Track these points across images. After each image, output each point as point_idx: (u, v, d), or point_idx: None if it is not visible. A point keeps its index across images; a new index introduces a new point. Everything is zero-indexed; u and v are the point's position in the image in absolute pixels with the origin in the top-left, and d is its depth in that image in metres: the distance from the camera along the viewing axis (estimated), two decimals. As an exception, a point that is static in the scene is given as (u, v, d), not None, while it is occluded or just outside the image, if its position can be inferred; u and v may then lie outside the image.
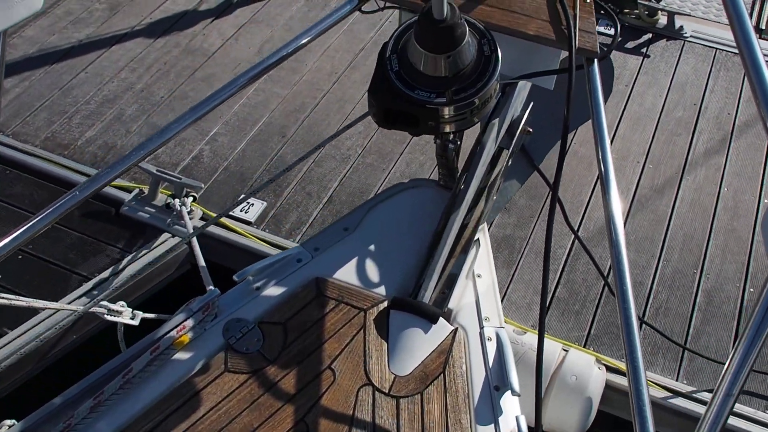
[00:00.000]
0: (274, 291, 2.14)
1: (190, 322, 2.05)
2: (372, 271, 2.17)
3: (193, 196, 4.03)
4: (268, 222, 4.08)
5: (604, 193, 1.83)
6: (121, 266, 3.90)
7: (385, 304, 2.09)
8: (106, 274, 3.86)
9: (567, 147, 1.91)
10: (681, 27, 5.28)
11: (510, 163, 2.41)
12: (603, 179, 1.84)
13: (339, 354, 2.00)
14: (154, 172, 4.02)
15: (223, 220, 4.05)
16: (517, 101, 2.39)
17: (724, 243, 3.96)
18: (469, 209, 2.23)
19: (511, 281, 3.78)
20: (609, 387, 3.30)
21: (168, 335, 2.02)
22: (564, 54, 2.18)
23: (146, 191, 4.15)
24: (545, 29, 2.05)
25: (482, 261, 2.24)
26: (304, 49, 3.56)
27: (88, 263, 3.95)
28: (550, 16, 2.09)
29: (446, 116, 1.82)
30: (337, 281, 2.14)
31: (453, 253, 2.17)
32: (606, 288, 3.69)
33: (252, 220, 4.08)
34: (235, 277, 2.15)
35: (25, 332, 3.51)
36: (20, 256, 3.95)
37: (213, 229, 4.04)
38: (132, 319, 2.01)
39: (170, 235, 4.01)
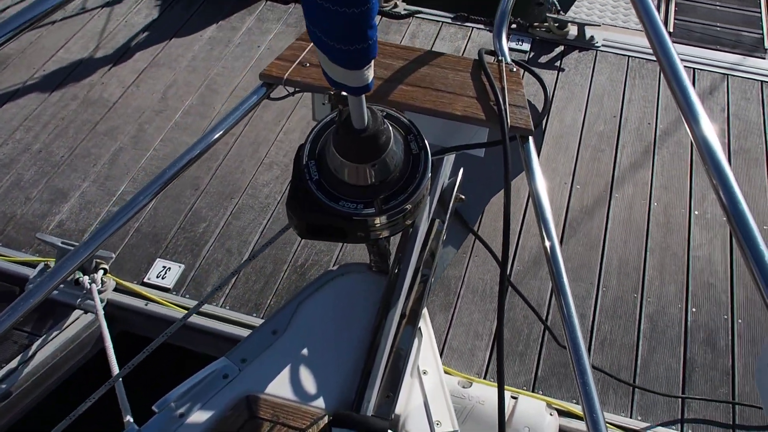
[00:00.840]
0: (200, 416, 1.91)
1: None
2: (308, 380, 1.96)
3: (103, 268, 3.73)
4: (188, 286, 3.81)
5: (550, 265, 1.70)
6: (30, 352, 3.57)
7: (326, 420, 1.89)
8: (14, 363, 3.53)
9: (509, 218, 1.77)
10: (592, 37, 5.25)
11: (445, 233, 2.25)
12: (553, 275, 1.70)
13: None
14: (59, 244, 3.69)
15: (139, 288, 3.77)
16: (445, 172, 2.23)
17: (660, 262, 3.91)
18: (407, 296, 2.05)
19: (450, 326, 3.63)
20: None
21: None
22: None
23: (52, 265, 3.82)
24: (473, 108, 1.89)
25: (426, 354, 2.07)
26: (210, 90, 3.24)
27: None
28: (476, 91, 1.93)
29: (378, 225, 1.62)
30: (271, 397, 1.93)
31: (394, 349, 1.98)
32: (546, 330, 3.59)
33: (170, 286, 3.81)
34: (154, 408, 1.91)
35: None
36: None
37: (129, 299, 3.75)
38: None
39: (82, 311, 3.70)
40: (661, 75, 1.62)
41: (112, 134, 4.56)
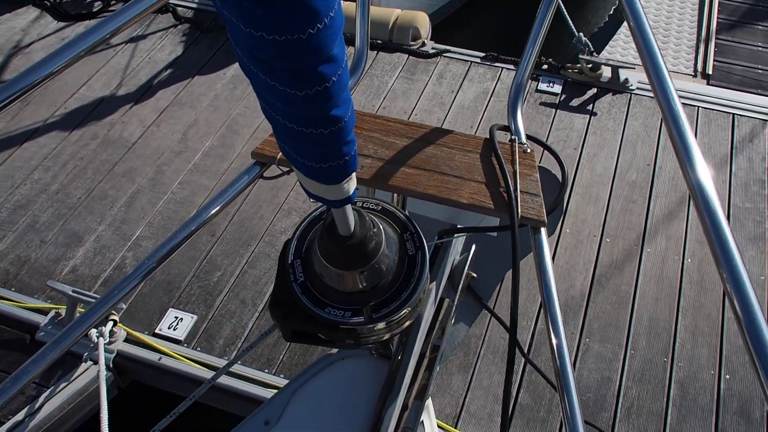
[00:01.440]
0: None
1: None
2: None
3: (113, 320, 3.64)
4: (200, 339, 3.70)
5: (555, 365, 1.54)
6: (37, 405, 3.49)
7: None
8: (21, 415, 3.45)
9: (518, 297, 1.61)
10: (626, 79, 5.08)
11: (454, 314, 2.10)
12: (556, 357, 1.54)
13: None
14: (70, 293, 3.62)
15: (150, 341, 3.67)
16: (456, 248, 2.08)
17: (693, 323, 3.70)
18: (410, 386, 1.90)
19: (468, 389, 3.46)
20: None
21: None
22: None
23: (63, 313, 3.75)
24: (481, 194, 1.74)
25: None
26: (231, 131, 3.05)
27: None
28: (485, 175, 1.78)
29: (368, 333, 1.48)
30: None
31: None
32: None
33: (181, 338, 3.71)
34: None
35: None
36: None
37: (140, 351, 3.65)
38: None
39: (92, 362, 3.61)
40: (673, 121, 1.49)
41: (130, 176, 4.51)
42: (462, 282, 2.12)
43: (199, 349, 3.66)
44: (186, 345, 3.68)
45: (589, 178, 4.45)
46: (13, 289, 3.94)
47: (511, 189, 1.70)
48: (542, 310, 1.68)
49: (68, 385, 3.55)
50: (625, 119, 4.84)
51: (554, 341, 1.65)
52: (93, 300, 3.59)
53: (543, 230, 1.71)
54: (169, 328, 3.74)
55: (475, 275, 2.15)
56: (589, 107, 4.91)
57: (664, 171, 4.50)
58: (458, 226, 1.94)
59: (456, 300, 2.09)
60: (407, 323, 1.56)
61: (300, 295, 1.46)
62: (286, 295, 1.48)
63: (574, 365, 3.51)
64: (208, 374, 3.52)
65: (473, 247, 2.14)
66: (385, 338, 1.57)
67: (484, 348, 3.60)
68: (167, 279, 3.96)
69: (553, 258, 3.95)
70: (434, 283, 2.00)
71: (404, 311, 1.46)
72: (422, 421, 1.94)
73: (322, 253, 1.39)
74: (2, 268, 4.05)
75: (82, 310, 3.74)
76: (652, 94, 4.92)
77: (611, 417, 3.33)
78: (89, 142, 4.76)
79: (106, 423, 2.62)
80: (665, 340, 3.64)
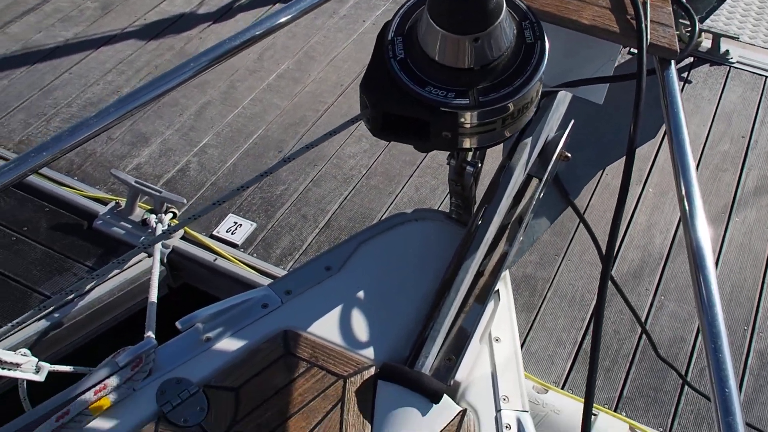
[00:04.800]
0: (228, 345, 1.64)
1: (113, 381, 1.55)
2: (357, 325, 1.67)
3: (173, 212, 3.56)
4: (257, 246, 3.59)
5: (687, 230, 1.32)
6: (87, 288, 3.42)
7: (373, 371, 1.59)
8: (71, 295, 3.39)
9: (627, 189, 1.39)
10: (727, 51, 4.79)
11: (542, 195, 1.91)
12: (687, 212, 1.33)
13: (307, 435, 1.50)
14: (133, 183, 3.56)
15: (207, 241, 3.58)
16: (554, 117, 1.90)
17: (778, 296, 3.43)
18: (487, 252, 1.73)
19: (530, 329, 3.26)
20: (643, 462, 2.78)
21: (82, 397, 1.53)
22: (622, 57, 1.70)
23: (123, 204, 3.69)
24: (605, 18, 1.55)
25: (502, 320, 1.74)
26: (308, 57, 2.98)
27: (53, 281, 3.50)
28: (610, 2, 1.59)
29: (468, 125, 1.30)
30: (312, 337, 1.64)
31: (464, 308, 1.66)
32: (642, 342, 3.18)
33: (238, 243, 3.60)
34: (178, 324, 1.66)
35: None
36: (-23, 270, 3.51)
37: (195, 250, 3.56)
38: (36, 373, 1.54)
39: (146, 255, 3.54)
40: None
41: (202, 87, 4.44)
42: (554, 159, 1.93)
43: (255, 255, 3.55)
44: (242, 250, 3.57)
45: (678, 140, 4.19)
46: (75, 178, 3.91)
47: (641, 13, 1.50)
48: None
49: (120, 273, 3.48)
50: (721, 91, 4.56)
51: (685, 204, 1.41)
52: (155, 192, 3.52)
53: (673, 65, 1.52)
54: (227, 231, 3.64)
55: (569, 155, 1.96)
56: (684, 74, 4.65)
57: (760, 145, 4.22)
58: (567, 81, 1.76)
59: (545, 178, 1.90)
60: (508, 132, 1.38)
61: (398, 71, 1.30)
62: (382, 74, 1.33)
63: (645, 320, 3.29)
64: (262, 280, 3.41)
65: (572, 122, 1.95)
66: (479, 146, 1.39)
67: (551, 291, 3.40)
68: (230, 186, 3.87)
69: (632, 215, 3.73)
70: (528, 141, 1.83)
71: (512, 105, 1.29)
72: (498, 290, 1.77)
73: (431, 10, 1.23)
74: (67, 158, 4.02)
75: (144, 205, 3.68)
76: (754, 70, 4.65)
77: (680, 377, 3.09)
78: (164, 52, 4.71)
79: (154, 311, 2.47)
80: (747, 309, 3.38)
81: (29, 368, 1.53)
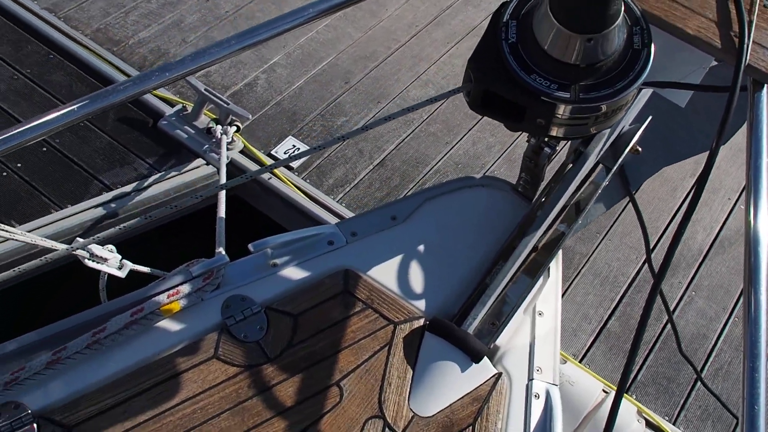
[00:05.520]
0: (293, 273, 1.76)
1: (185, 288, 1.69)
2: (414, 277, 1.78)
3: (237, 125, 3.66)
4: (311, 172, 3.70)
5: (749, 254, 1.39)
6: (146, 184, 3.57)
7: (422, 322, 1.70)
8: (128, 188, 3.54)
9: (700, 195, 1.45)
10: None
11: (608, 180, 1.98)
12: (751, 238, 1.40)
13: (353, 370, 1.63)
14: (202, 90, 3.65)
15: (264, 159, 3.69)
16: (633, 110, 1.95)
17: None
18: (546, 229, 1.82)
19: (559, 299, 3.36)
20: (644, 445, 2.90)
21: (156, 298, 1.66)
22: (711, 65, 1.73)
23: (189, 109, 3.80)
24: (709, 31, 1.59)
25: (548, 296, 1.84)
26: None
27: (114, 172, 3.64)
28: (718, 14, 1.63)
29: (562, 117, 1.38)
30: (370, 280, 1.76)
31: (515, 279, 1.76)
32: (665, 332, 3.26)
33: (294, 166, 3.71)
34: (250, 246, 1.78)
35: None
36: (44, 148, 3.66)
37: (251, 165, 3.68)
38: (119, 269, 1.67)
39: (204, 162, 3.67)
40: None
41: (279, 5, 4.48)
42: (625, 152, 1.98)
43: (308, 181, 3.66)
44: (297, 173, 3.68)
45: (741, 141, 4.17)
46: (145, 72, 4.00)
47: (744, 33, 1.54)
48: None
49: (178, 176, 3.61)
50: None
51: (751, 243, 1.46)
52: (222, 103, 3.62)
53: (765, 88, 1.56)
54: (284, 153, 3.75)
55: (640, 149, 2.01)
56: None
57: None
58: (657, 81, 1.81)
59: (614, 167, 1.97)
60: (595, 132, 1.46)
61: (508, 54, 1.37)
62: (491, 54, 1.40)
63: (673, 311, 3.37)
64: (311, 206, 3.52)
65: (649, 118, 1.99)
66: (565, 137, 1.47)
67: (586, 267, 3.48)
68: (293, 109, 3.95)
69: (680, 206, 3.76)
70: (602, 138, 1.89)
71: (605, 106, 1.35)
72: (549, 267, 1.86)
73: (552, 5, 1.29)
74: (141, 54, 4.12)
75: (209, 113, 3.78)
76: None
77: (695, 372, 3.18)
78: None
79: (223, 228, 2.55)
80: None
81: (114, 264, 1.66)
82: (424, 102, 1.67)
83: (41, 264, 1.39)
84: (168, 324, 1.68)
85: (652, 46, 1.38)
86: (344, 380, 1.61)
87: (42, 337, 1.65)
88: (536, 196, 1.94)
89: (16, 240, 1.48)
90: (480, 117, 4.05)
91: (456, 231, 1.88)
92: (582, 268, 3.47)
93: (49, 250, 1.56)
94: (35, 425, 1.53)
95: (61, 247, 1.57)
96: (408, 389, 1.61)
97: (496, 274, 1.76)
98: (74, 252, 1.58)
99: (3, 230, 1.44)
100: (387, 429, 1.56)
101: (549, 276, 1.87)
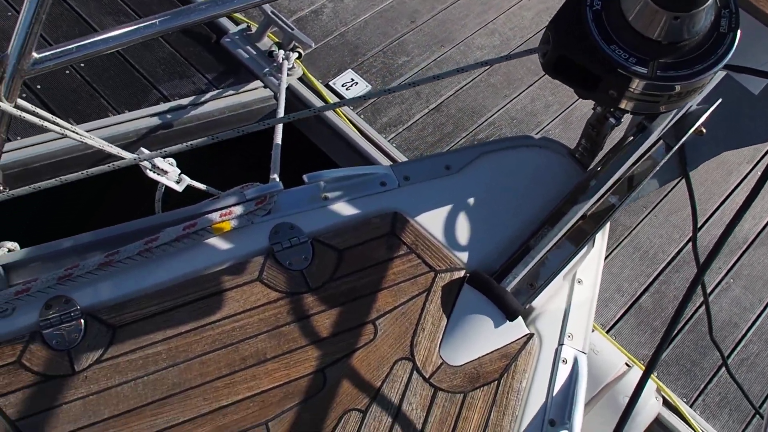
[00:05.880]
0: (343, 208, 1.80)
1: (238, 209, 1.73)
2: (461, 228, 1.80)
3: (299, 52, 3.66)
4: (366, 108, 3.71)
5: None
6: (203, 99, 3.61)
7: (462, 274, 1.73)
8: (185, 101, 3.59)
9: (762, 186, 1.42)
10: None
11: (667, 158, 1.96)
12: None
13: (389, 311, 1.67)
14: (269, 12, 3.65)
15: (322, 89, 3.70)
16: (704, 90, 1.91)
17: None
18: (598, 199, 1.82)
19: (596, 268, 3.36)
20: (658, 422, 2.93)
21: (209, 215, 1.71)
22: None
23: (253, 29, 3.80)
24: None
25: (590, 265, 1.85)
26: None
27: (173, 84, 3.69)
28: None
29: (635, 92, 1.36)
30: (417, 226, 1.78)
31: (559, 244, 1.77)
32: (697, 315, 3.26)
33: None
34: (305, 177, 1.81)
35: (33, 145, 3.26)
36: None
37: (307, 93, 3.69)
38: (177, 183, 1.72)
39: (262, 84, 3.69)
40: None
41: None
42: (689, 132, 1.96)
43: (362, 116, 3.66)
44: (352, 108, 3.68)
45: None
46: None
47: None
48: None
49: (235, 95, 3.65)
50: None
51: None
52: (287, 27, 3.61)
53: None
54: (342, 85, 3.75)
55: (704, 130, 1.98)
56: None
57: None
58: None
59: (676, 146, 1.94)
60: (664, 109, 1.44)
61: (590, 21, 1.36)
62: (573, 18, 1.38)
63: (708, 295, 3.35)
64: (362, 141, 3.54)
65: (718, 101, 1.96)
66: (633, 111, 1.46)
67: (627, 239, 3.46)
68: (356, 42, 3.94)
69: (732, 191, 3.70)
70: (668, 116, 1.87)
71: (679, 86, 1.34)
72: (595, 238, 1.87)
73: None
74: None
75: (273, 36, 3.78)
76: None
77: (721, 358, 3.19)
78: None
79: (279, 154, 2.55)
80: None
81: (173, 177, 1.71)
82: (500, 58, 1.66)
83: (107, 170, 1.44)
84: (217, 242, 1.73)
85: (739, 31, 1.35)
86: (380, 319, 1.65)
87: (97, 239, 1.71)
88: (592, 165, 1.93)
89: (86, 143, 1.53)
90: (542, 74, 3.98)
91: (508, 189, 1.89)
92: (623, 239, 3.46)
93: (116, 157, 1.61)
94: (82, 321, 1.61)
95: (128, 156, 1.62)
96: (440, 337, 1.65)
97: (542, 237, 1.77)
98: (139, 162, 1.63)
99: (75, 132, 1.49)
100: (415, 372, 1.61)
101: (593, 246, 1.87)
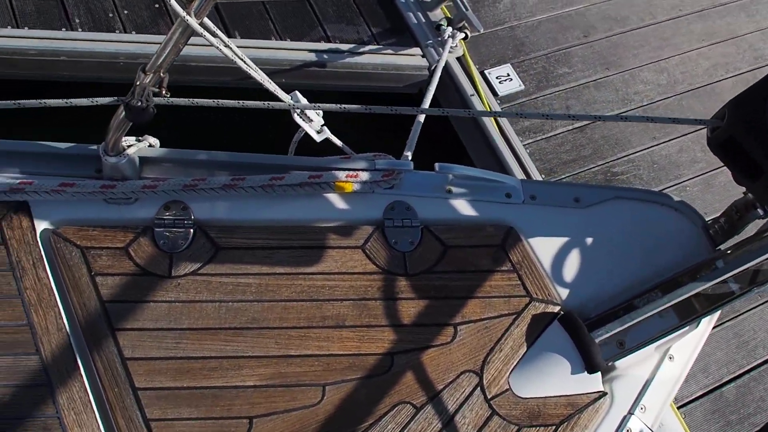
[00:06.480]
0: (462, 207, 1.80)
1: (365, 175, 1.76)
2: (571, 264, 1.77)
3: (465, 32, 3.63)
4: (513, 106, 3.65)
5: None
6: (360, 49, 3.65)
7: (556, 310, 1.70)
8: (344, 46, 3.64)
9: None
10: None
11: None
12: None
13: (474, 321, 1.67)
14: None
15: (476, 75, 3.66)
16: None
17: None
18: (718, 283, 1.74)
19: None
20: None
21: (336, 172, 1.75)
22: None
23: (429, -5, 3.80)
24: None
25: (687, 345, 1.78)
26: None
27: (338, 27, 3.74)
28: None
29: None
30: (528, 248, 1.77)
31: (664, 313, 1.72)
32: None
33: (500, 93, 3.67)
34: (436, 166, 1.82)
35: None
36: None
37: (461, 76, 3.66)
38: (317, 133, 1.76)
39: (421, 54, 3.69)
40: None
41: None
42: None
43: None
44: (499, 102, 3.64)
45: None
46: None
47: None
48: None
49: (392, 55, 3.66)
50: None
51: None
52: (462, 6, 3.58)
53: None
54: (496, 77, 3.71)
55: None
56: None
57: None
58: None
59: None
60: None
61: None
62: (756, 106, 1.32)
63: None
64: (498, 138, 3.50)
65: None
66: None
67: (730, 323, 3.30)
68: (523, 39, 3.88)
69: None
70: None
71: None
72: (702, 320, 1.79)
73: None
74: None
75: (446, 9, 3.77)
76: None
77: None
78: None
79: (418, 131, 2.55)
80: None
81: (315, 126, 1.75)
82: (666, 119, 1.59)
83: (261, 107, 1.49)
84: (335, 199, 1.77)
85: None
86: (462, 326, 1.66)
87: (229, 160, 1.79)
88: (724, 246, 1.85)
89: (251, 75, 1.58)
90: (699, 129, 3.81)
91: (630, 240, 1.83)
92: (726, 321, 3.30)
93: (272, 97, 1.67)
94: (192, 231, 1.69)
95: (285, 98, 1.67)
96: (515, 363, 1.64)
97: (648, 300, 1.71)
98: (290, 106, 1.67)
99: (245, 63, 1.55)
100: (479, 388, 1.61)
101: (697, 326, 1.80)
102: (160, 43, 1.42)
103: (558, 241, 1.79)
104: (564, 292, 1.73)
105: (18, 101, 1.55)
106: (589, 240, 1.80)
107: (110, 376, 1.55)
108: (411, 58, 3.67)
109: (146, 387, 1.55)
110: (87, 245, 1.65)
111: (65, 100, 1.54)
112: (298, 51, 3.56)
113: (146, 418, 1.52)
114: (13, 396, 1.52)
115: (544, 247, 1.77)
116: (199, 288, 1.65)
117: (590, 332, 1.65)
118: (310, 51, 3.58)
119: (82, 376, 1.55)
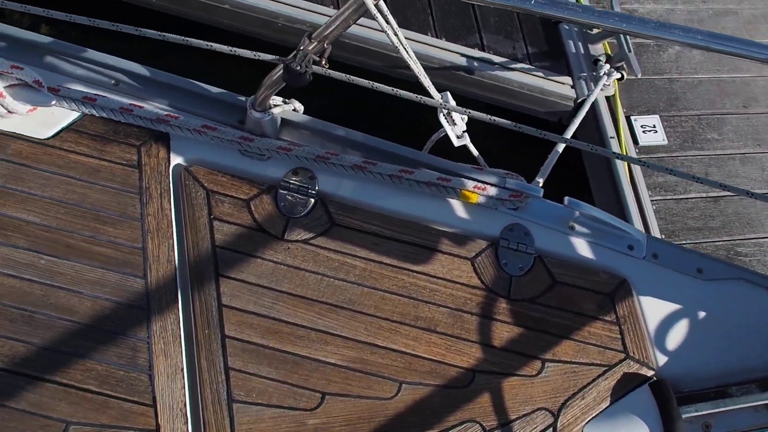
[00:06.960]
0: (581, 246, 1.77)
1: (492, 191, 1.76)
2: (676, 333, 1.71)
3: (622, 73, 3.55)
4: (653, 159, 3.54)
5: None
6: (511, 65, 3.64)
7: (650, 374, 1.65)
8: (496, 59, 3.63)
9: None
10: None
11: None
12: None
13: (564, 362, 1.64)
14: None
15: (621, 116, 3.57)
16: None
17: None
18: None
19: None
20: None
21: (466, 180, 1.76)
22: None
23: (594, 31, 3.73)
24: None
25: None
26: None
27: (496, 38, 3.75)
28: None
29: None
30: (637, 305, 1.72)
31: (759, 408, 1.64)
32: None
33: (640, 142, 3.55)
34: (566, 200, 1.79)
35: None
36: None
37: (605, 117, 3.58)
38: (458, 138, 1.77)
39: (570, 84, 3.63)
40: None
41: None
42: None
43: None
44: (638, 152, 3.54)
45: None
46: (584, -23, 3.96)
47: None
48: None
49: (541, 78, 3.62)
50: None
51: None
52: (626, 47, 3.50)
53: None
54: (641, 126, 3.60)
55: None
56: None
57: None
58: None
59: None
60: None
61: None
62: None
63: None
64: (626, 185, 3.41)
65: None
66: None
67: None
68: (679, 95, 3.75)
69: None
70: None
71: None
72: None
73: None
74: (593, -44, 4.05)
75: (607, 47, 3.69)
76: None
77: None
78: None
79: (555, 160, 2.50)
80: None
81: (457, 131, 1.76)
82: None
83: (413, 99, 1.52)
84: (457, 206, 1.78)
85: None
86: (551, 363, 1.64)
87: (364, 142, 1.83)
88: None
89: (409, 66, 1.61)
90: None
91: (744, 326, 1.76)
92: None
93: (423, 91, 1.69)
94: (312, 200, 1.74)
95: (436, 96, 1.69)
96: (593, 415, 1.61)
97: (746, 392, 1.64)
98: (440, 105, 1.69)
99: (407, 53, 1.57)
100: (551, 429, 1.58)
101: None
102: (324, 14, 1.45)
103: (669, 306, 1.73)
104: (662, 359, 1.68)
105: (187, 38, 1.63)
106: (702, 314, 1.73)
107: (204, 318, 1.61)
108: (560, 86, 3.62)
109: (235, 337, 1.61)
110: (213, 189, 1.73)
111: (231, 48, 1.61)
112: (450, 52, 3.58)
113: (227, 365, 1.58)
114: (112, 311, 1.61)
115: (653, 308, 1.72)
116: (306, 257, 1.69)
117: (679, 406, 1.59)
118: (462, 55, 3.59)
119: (179, 310, 1.62)
